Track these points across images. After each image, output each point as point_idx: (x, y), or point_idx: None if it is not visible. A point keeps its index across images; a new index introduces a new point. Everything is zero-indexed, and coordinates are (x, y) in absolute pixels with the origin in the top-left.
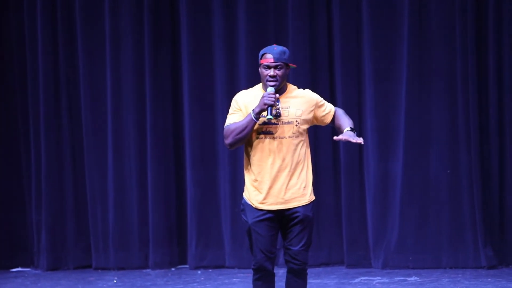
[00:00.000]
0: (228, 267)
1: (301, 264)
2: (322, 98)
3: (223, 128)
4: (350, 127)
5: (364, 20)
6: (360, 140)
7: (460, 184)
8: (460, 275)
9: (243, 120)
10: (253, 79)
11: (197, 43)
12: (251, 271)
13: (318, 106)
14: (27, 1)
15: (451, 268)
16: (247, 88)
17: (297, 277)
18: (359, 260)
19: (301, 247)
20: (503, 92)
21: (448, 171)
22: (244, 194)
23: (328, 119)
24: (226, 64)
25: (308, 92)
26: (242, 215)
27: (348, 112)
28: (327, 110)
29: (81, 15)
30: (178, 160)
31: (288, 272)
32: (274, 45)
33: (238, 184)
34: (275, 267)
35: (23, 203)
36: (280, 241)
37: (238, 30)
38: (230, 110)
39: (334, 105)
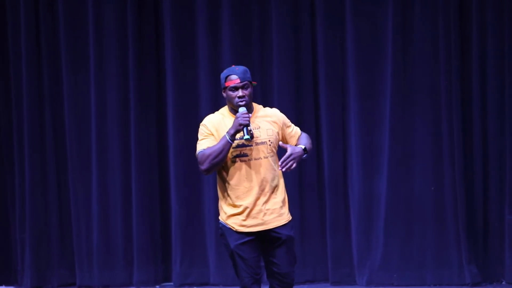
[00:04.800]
0: (213, 285)
1: (290, 285)
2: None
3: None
4: (305, 147)
5: (348, 39)
6: (287, 166)
7: (444, 201)
8: None
9: (217, 144)
10: None
11: (182, 61)
12: None
13: (286, 126)
14: (10, 19)
15: (435, 285)
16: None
17: None
18: (344, 278)
19: (290, 268)
20: (487, 110)
21: (432, 188)
22: (220, 217)
23: (293, 142)
24: (210, 82)
25: (276, 111)
26: (222, 240)
27: (333, 130)
28: (294, 131)
29: (65, 33)
30: (163, 178)
31: None
32: (233, 66)
33: None
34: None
35: (7, 221)
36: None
37: (222, 47)
38: (200, 136)
39: (318, 124)
